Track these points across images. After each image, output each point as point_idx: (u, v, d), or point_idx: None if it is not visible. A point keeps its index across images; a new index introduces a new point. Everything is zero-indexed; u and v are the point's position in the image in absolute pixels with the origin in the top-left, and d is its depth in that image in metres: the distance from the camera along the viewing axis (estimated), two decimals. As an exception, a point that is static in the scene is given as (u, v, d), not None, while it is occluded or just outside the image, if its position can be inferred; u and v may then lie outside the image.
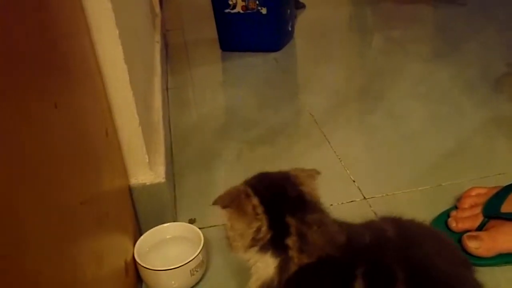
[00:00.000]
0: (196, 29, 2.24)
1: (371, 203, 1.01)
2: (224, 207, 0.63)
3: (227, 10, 1.85)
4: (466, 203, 0.91)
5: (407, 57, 1.80)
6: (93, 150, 0.68)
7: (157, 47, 1.58)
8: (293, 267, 0.57)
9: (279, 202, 0.61)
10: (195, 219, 0.99)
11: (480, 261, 0.81)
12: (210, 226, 0.95)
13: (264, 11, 1.81)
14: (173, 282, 0.80)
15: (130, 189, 0.87)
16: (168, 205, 0.94)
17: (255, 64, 1.81)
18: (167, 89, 1.58)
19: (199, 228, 0.87)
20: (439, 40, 2.07)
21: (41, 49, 0.51)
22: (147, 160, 0.88)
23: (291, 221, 0.59)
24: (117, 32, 0.76)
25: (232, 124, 1.41)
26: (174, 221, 0.93)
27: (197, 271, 0.81)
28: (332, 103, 1.47)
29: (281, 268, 0.58)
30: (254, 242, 0.60)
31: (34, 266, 0.41)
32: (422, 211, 0.96)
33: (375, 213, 0.98)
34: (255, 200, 0.60)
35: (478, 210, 0.88)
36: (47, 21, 0.55)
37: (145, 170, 0.89)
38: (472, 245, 0.82)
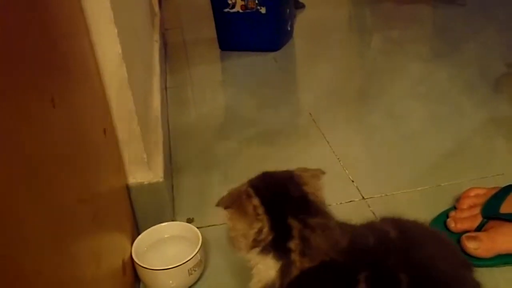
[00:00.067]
0: (195, 28, 2.24)
1: (370, 203, 1.01)
2: (226, 208, 0.63)
3: (226, 10, 1.84)
4: (465, 203, 0.91)
5: (407, 57, 1.80)
6: (91, 149, 0.67)
7: (156, 46, 1.58)
8: (294, 271, 0.56)
9: (281, 202, 0.60)
10: (193, 218, 0.99)
11: (479, 261, 0.81)
12: (208, 226, 0.95)
13: (263, 10, 1.81)
14: (171, 281, 0.80)
15: (128, 188, 0.87)
16: (166, 204, 0.93)
17: (254, 64, 1.80)
18: (166, 88, 1.58)
19: (197, 228, 0.86)
20: (438, 40, 2.07)
21: (39, 48, 0.51)
22: (146, 159, 0.88)
23: (293, 223, 0.58)
24: (116, 30, 0.76)
25: (231, 124, 1.41)
26: (172, 221, 0.93)
27: (195, 271, 0.81)
28: (331, 103, 1.47)
29: (283, 272, 0.57)
30: (255, 243, 0.60)
31: (31, 265, 0.40)
32: (421, 212, 0.96)
33: (373, 213, 0.98)
34: (255, 201, 0.60)
35: (477, 210, 0.88)
36: (45, 20, 0.55)
37: (143, 169, 0.89)
38: (471, 246, 0.82)
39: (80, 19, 0.72)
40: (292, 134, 1.33)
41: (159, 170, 0.91)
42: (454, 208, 0.93)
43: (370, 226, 0.62)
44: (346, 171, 1.12)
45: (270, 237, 0.59)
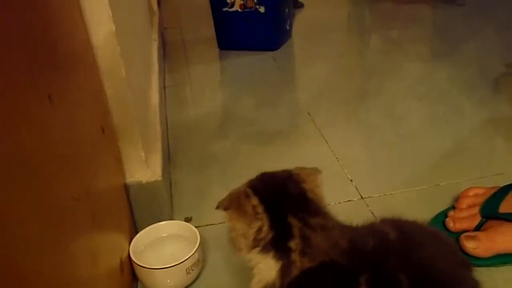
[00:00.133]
0: (194, 27, 2.23)
1: (369, 202, 1.01)
2: (225, 209, 0.63)
3: (225, 9, 1.84)
4: (464, 203, 0.91)
5: (406, 57, 1.80)
6: (89, 147, 0.67)
7: (155, 45, 1.57)
8: (295, 271, 0.56)
9: (280, 200, 0.60)
10: (191, 217, 0.98)
11: (477, 261, 0.81)
12: (207, 225, 0.94)
13: (262, 9, 1.80)
14: (168, 280, 0.80)
15: (126, 187, 0.87)
16: (164, 203, 0.93)
17: (252, 63, 1.80)
18: (164, 87, 1.58)
19: (195, 227, 0.86)
20: (438, 40, 2.07)
21: (37, 45, 0.51)
22: (144, 158, 0.88)
23: (293, 221, 0.58)
24: (114, 28, 0.76)
25: (230, 123, 1.41)
26: (170, 219, 0.92)
27: (193, 270, 0.81)
28: (330, 102, 1.47)
29: (283, 272, 0.57)
30: (256, 242, 0.59)
31: (30, 264, 0.40)
32: (419, 211, 0.96)
33: (372, 212, 0.97)
34: (254, 200, 0.60)
35: (476, 210, 0.88)
36: (44, 18, 0.54)
37: (142, 168, 0.89)
38: (470, 245, 0.81)
39: (78, 17, 0.72)
40: (290, 133, 1.33)
41: (157, 169, 0.91)
42: (453, 207, 0.93)
43: (369, 228, 0.62)
44: (345, 170, 1.12)
45: (270, 236, 0.58)
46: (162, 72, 1.60)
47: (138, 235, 0.85)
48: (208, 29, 1.96)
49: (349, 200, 1.02)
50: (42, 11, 0.54)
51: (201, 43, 2.03)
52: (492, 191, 0.90)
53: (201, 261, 0.84)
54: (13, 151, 0.40)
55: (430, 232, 0.66)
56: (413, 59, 1.78)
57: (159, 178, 0.89)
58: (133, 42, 1.05)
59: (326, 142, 1.23)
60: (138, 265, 0.79)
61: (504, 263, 0.82)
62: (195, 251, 0.80)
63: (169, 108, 1.46)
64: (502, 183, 0.91)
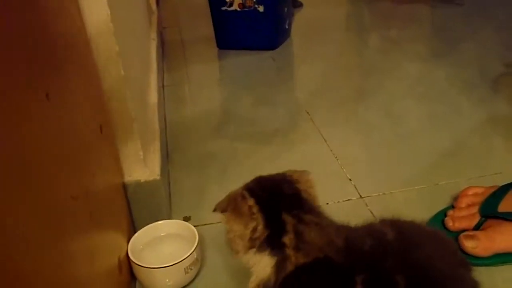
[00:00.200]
0: (193, 26, 2.23)
1: (367, 201, 1.00)
2: (222, 211, 0.64)
3: (224, 8, 1.84)
4: (463, 202, 0.91)
5: (405, 57, 1.79)
6: (87, 146, 0.67)
7: (153, 45, 1.57)
8: (290, 267, 0.57)
9: (275, 200, 0.61)
10: (190, 216, 0.98)
11: (477, 260, 0.80)
12: (205, 224, 0.94)
13: (261, 9, 1.80)
14: (167, 280, 0.80)
15: (124, 186, 0.87)
16: (163, 202, 0.93)
17: (251, 62, 1.80)
18: (163, 86, 1.58)
19: (194, 226, 0.86)
20: (436, 39, 2.07)
21: (34, 43, 0.51)
22: (142, 157, 0.88)
23: (287, 218, 0.59)
24: (112, 27, 0.75)
25: (228, 122, 1.40)
26: (168, 219, 0.92)
27: (191, 269, 0.81)
28: (329, 101, 1.47)
29: (278, 267, 0.58)
30: (252, 242, 0.60)
31: (27, 263, 0.40)
32: (418, 210, 0.96)
33: (371, 212, 0.97)
34: (250, 201, 0.61)
35: (475, 209, 0.88)
36: (42, 16, 0.54)
37: (140, 167, 0.88)
38: (469, 245, 0.81)
39: (76, 15, 0.72)
40: (289, 132, 1.33)
41: (156, 168, 0.91)
42: (452, 207, 0.92)
43: (367, 228, 0.62)
44: (344, 169, 1.11)
45: (265, 234, 0.59)
46: (160, 71, 1.59)
47: (136, 234, 0.85)
48: (206, 29, 1.96)
49: (348, 200, 1.02)
50: (40, 10, 0.54)
51: (199, 42, 2.03)
52: (491, 190, 0.90)
53: (199, 260, 0.84)
54: (10, 150, 0.40)
55: (429, 232, 0.66)
56: (412, 59, 1.78)
57: (158, 177, 0.89)
58: (132, 41, 1.05)
59: (325, 141, 1.23)
60: (137, 264, 0.79)
61: (503, 262, 0.82)
62: (194, 250, 0.80)
63: (167, 107, 1.46)
64: (501, 182, 0.91)
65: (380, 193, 1.03)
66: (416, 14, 2.31)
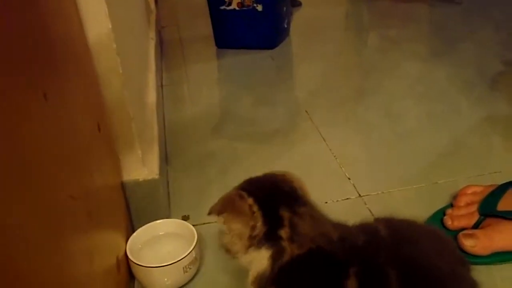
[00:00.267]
0: (192, 26, 2.23)
1: (366, 200, 1.00)
2: (218, 214, 0.64)
3: (222, 7, 1.84)
4: (462, 201, 0.91)
5: (404, 56, 1.79)
6: (85, 145, 0.67)
7: (152, 44, 1.57)
8: (286, 257, 0.58)
9: (273, 197, 0.62)
10: (188, 216, 0.98)
11: (476, 259, 0.80)
12: (204, 223, 0.94)
13: (259, 8, 1.80)
14: (166, 279, 0.79)
15: (123, 185, 0.87)
16: (162, 201, 0.93)
17: (250, 62, 1.80)
18: (161, 85, 1.58)
19: (193, 225, 0.86)
20: (435, 39, 2.07)
21: (32, 42, 0.50)
22: (141, 156, 0.87)
23: (284, 213, 0.59)
24: (110, 25, 0.75)
25: (227, 122, 1.40)
26: (167, 218, 0.92)
27: (190, 268, 0.81)
28: (328, 101, 1.47)
29: (274, 258, 0.58)
30: (251, 240, 0.60)
31: (26, 263, 0.40)
32: (417, 209, 0.96)
33: (370, 210, 0.97)
34: (250, 200, 0.61)
35: (474, 208, 0.88)
36: (40, 14, 0.54)
37: (139, 166, 0.88)
38: (468, 244, 0.81)
39: (74, 14, 0.71)
40: (288, 132, 1.32)
41: (155, 167, 0.91)
42: (451, 205, 0.92)
43: (361, 226, 0.63)
44: (343, 168, 1.11)
45: (263, 231, 0.59)
46: (159, 70, 1.59)
47: (135, 233, 0.85)
48: (205, 28, 1.96)
49: (347, 198, 1.01)
50: (39, 11, 0.54)
51: (198, 41, 2.03)
52: (490, 189, 0.90)
53: (198, 259, 0.83)
54: (8, 150, 0.40)
55: (426, 229, 0.66)
56: (411, 58, 1.78)
57: (156, 177, 0.89)
58: (130, 40, 1.05)
59: (324, 141, 1.23)
60: (135, 263, 0.79)
61: (502, 261, 0.82)
62: (192, 250, 0.80)
63: (166, 106, 1.46)
64: (500, 181, 0.91)
65: (379, 192, 1.03)
66: (415, 13, 2.31)
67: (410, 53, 1.83)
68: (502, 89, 1.48)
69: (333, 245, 0.57)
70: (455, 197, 0.93)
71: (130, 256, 0.80)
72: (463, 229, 0.85)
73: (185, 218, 0.97)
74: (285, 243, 0.58)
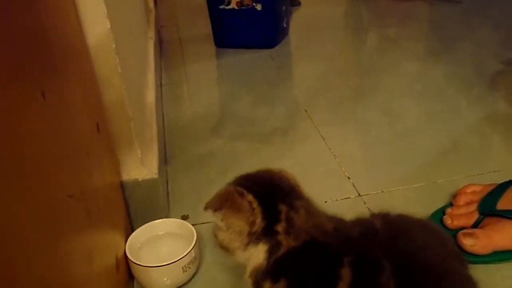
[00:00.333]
0: (191, 25, 2.23)
1: (366, 200, 1.00)
2: (216, 209, 0.63)
3: (221, 6, 1.84)
4: (462, 200, 0.91)
5: (403, 55, 1.79)
6: (84, 144, 0.67)
7: (151, 43, 1.57)
8: (282, 250, 0.58)
9: (271, 192, 0.62)
10: (188, 215, 0.98)
11: (475, 258, 0.81)
12: (203, 223, 0.94)
13: (259, 7, 1.80)
14: (165, 278, 0.79)
15: (122, 185, 0.86)
16: (161, 201, 0.93)
17: (250, 61, 1.80)
18: (161, 85, 1.57)
19: (192, 225, 0.86)
20: (434, 38, 2.07)
21: (30, 41, 0.50)
22: (140, 156, 0.87)
23: (282, 208, 0.60)
24: (109, 25, 0.75)
25: (226, 121, 1.40)
26: (166, 217, 0.92)
27: (189, 268, 0.81)
28: (328, 100, 1.47)
29: (270, 252, 0.59)
30: (250, 237, 0.60)
31: (24, 263, 0.40)
32: (417, 208, 0.96)
33: (370, 210, 0.97)
34: (249, 196, 0.61)
35: (474, 207, 0.88)
36: (37, 13, 0.54)
37: (138, 166, 0.88)
38: (467, 243, 0.81)
39: (73, 13, 0.71)
40: (288, 131, 1.32)
41: (154, 167, 0.90)
42: (451, 204, 0.92)
43: (357, 220, 0.63)
44: (342, 168, 1.11)
45: (262, 226, 0.60)
46: (158, 70, 1.59)
47: (134, 233, 0.85)
48: (204, 27, 1.96)
49: (347, 198, 1.01)
50: (37, 8, 0.54)
51: (197, 41, 2.03)
52: (490, 188, 0.90)
53: (197, 259, 0.83)
54: (6, 149, 0.40)
55: (421, 223, 0.66)
56: (410, 57, 1.78)
57: (155, 176, 0.89)
58: (129, 40, 1.05)
59: (324, 140, 1.23)
60: (134, 263, 0.79)
61: (502, 260, 0.82)
62: (192, 249, 0.80)
63: (165, 106, 1.46)
64: (499, 180, 0.91)
65: (379, 191, 1.02)
66: (414, 12, 2.31)
67: (410, 52, 1.83)
68: (502, 88, 1.48)
69: (327, 236, 0.57)
70: (454, 196, 0.93)
71: (129, 256, 0.80)
72: (462, 228, 0.85)
73: (185, 217, 0.97)
74: (281, 237, 0.58)
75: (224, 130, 1.35)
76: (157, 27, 1.92)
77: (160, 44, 1.93)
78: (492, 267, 0.81)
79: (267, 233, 0.59)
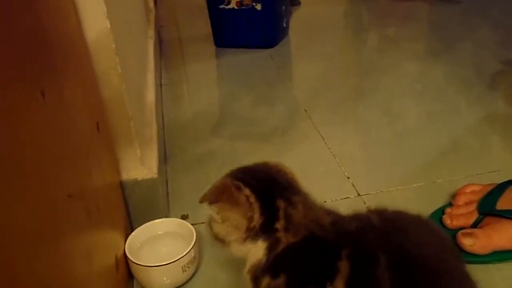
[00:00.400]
0: (191, 25, 2.23)
1: (366, 199, 1.00)
2: (212, 202, 0.63)
3: (221, 6, 1.84)
4: (461, 200, 0.91)
5: (403, 55, 1.79)
6: (83, 144, 0.67)
7: (151, 43, 1.57)
8: (281, 246, 0.58)
9: (269, 187, 0.61)
10: (187, 215, 0.98)
11: (475, 258, 0.81)
12: (203, 222, 0.94)
13: (258, 7, 1.80)
14: (164, 278, 0.79)
15: (122, 184, 0.86)
16: (161, 200, 0.93)
17: (249, 61, 1.80)
18: (161, 85, 1.57)
19: (192, 224, 0.86)
20: (434, 38, 2.07)
21: (29, 40, 0.50)
22: (140, 155, 0.87)
23: (280, 204, 0.59)
24: (109, 24, 0.75)
25: (226, 121, 1.40)
26: (166, 217, 0.92)
27: (189, 267, 0.81)
28: (327, 100, 1.47)
29: (270, 249, 0.59)
30: (248, 232, 0.60)
31: (24, 263, 0.40)
32: (416, 208, 0.94)
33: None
34: (247, 191, 0.60)
35: (473, 207, 0.88)
36: (37, 12, 0.54)
37: (137, 165, 0.88)
38: (467, 242, 0.81)
39: (73, 13, 0.71)
40: (287, 131, 1.32)
41: (153, 166, 0.90)
42: (450, 204, 0.92)
43: (354, 215, 0.63)
44: (342, 168, 1.11)
45: (260, 222, 0.59)
46: (158, 70, 1.59)
47: (134, 232, 0.85)
48: (204, 27, 1.96)
49: (346, 198, 1.02)
50: (37, 7, 0.54)
51: (197, 41, 2.03)
52: (489, 188, 0.90)
53: (197, 258, 0.83)
54: (5, 149, 0.40)
55: (417, 220, 0.66)
56: (410, 57, 1.78)
57: (155, 176, 0.89)
58: (129, 39, 1.05)
59: (323, 140, 1.23)
60: (134, 263, 0.79)
61: (501, 260, 0.82)
62: (191, 249, 0.80)
63: (165, 106, 1.46)
64: (499, 180, 0.91)
65: (378, 191, 1.03)
66: (414, 12, 2.31)
67: (410, 52, 1.83)
68: (501, 89, 1.48)
69: (325, 230, 0.57)
70: (454, 196, 0.93)
71: (129, 256, 0.80)
72: (462, 228, 0.85)
73: (184, 217, 0.97)
74: (280, 234, 0.58)
75: (224, 130, 1.35)
76: (157, 27, 1.92)
77: (160, 43, 1.93)
78: (491, 267, 0.81)
79: (266, 231, 0.59)
